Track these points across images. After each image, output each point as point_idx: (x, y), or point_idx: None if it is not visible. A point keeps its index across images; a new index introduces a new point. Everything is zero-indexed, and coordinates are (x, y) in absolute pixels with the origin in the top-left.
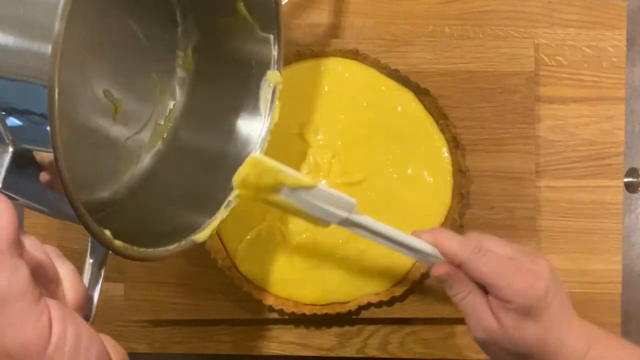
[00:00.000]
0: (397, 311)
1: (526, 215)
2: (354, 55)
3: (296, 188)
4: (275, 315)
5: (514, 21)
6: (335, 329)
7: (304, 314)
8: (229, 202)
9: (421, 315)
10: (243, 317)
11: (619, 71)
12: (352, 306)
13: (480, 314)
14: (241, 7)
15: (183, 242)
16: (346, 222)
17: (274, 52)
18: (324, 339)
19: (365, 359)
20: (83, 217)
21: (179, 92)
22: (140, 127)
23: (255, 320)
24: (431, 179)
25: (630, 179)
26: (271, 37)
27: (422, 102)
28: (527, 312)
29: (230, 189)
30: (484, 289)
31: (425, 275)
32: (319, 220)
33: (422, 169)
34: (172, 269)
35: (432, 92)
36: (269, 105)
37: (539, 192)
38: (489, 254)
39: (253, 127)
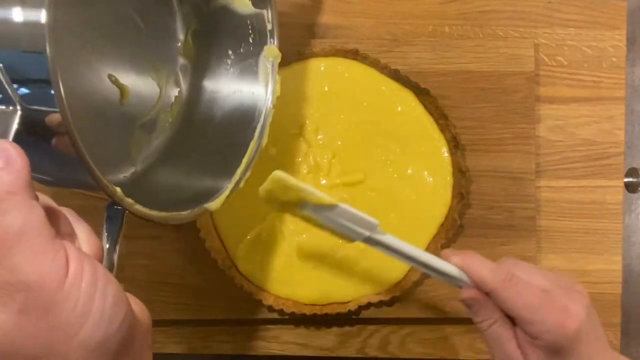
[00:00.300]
0: (397, 311)
1: (526, 215)
2: (354, 55)
3: (318, 206)
4: (275, 315)
5: (514, 21)
6: (335, 329)
7: (304, 314)
8: (241, 176)
9: (421, 315)
10: (243, 317)
11: (619, 71)
12: (352, 306)
13: (506, 345)
14: None
15: (196, 209)
16: (369, 241)
17: (269, 27)
18: (324, 339)
19: (365, 359)
20: (94, 172)
21: (182, 79)
22: (148, 112)
23: (255, 320)
24: (431, 179)
25: (630, 179)
26: (264, 12)
27: (422, 102)
28: (556, 351)
29: (240, 160)
30: (512, 319)
31: (425, 276)
32: (344, 236)
33: (422, 169)
34: (172, 269)
35: (432, 92)
36: (269, 80)
37: (539, 192)
38: (522, 284)
39: (256, 103)
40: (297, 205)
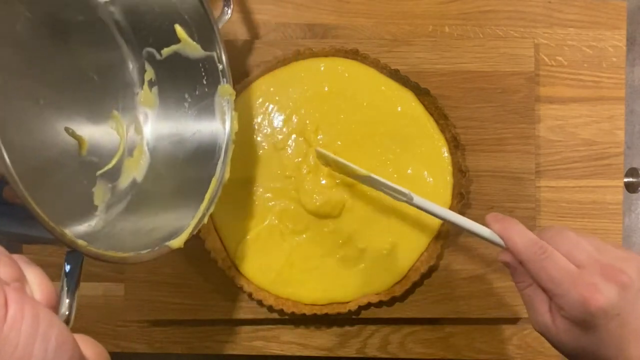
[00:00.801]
0: (397, 311)
1: (526, 215)
2: (353, 55)
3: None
4: (275, 315)
5: (514, 21)
6: (335, 329)
7: (304, 314)
8: (204, 212)
9: (421, 315)
10: (243, 317)
11: (619, 71)
12: (352, 306)
13: (537, 308)
14: (180, 30)
15: (157, 248)
16: (407, 202)
17: (220, 67)
18: (324, 339)
19: (365, 359)
20: (39, 216)
21: (143, 126)
22: (110, 161)
23: (255, 320)
24: (431, 179)
25: (630, 179)
26: (214, 54)
27: (422, 102)
28: (580, 324)
29: (203, 197)
30: None
31: (426, 276)
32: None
33: (422, 169)
34: (172, 269)
35: (432, 92)
36: (227, 117)
37: (539, 192)
38: (551, 258)
39: (216, 140)
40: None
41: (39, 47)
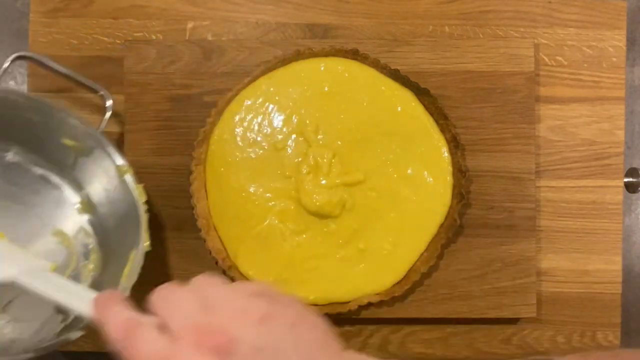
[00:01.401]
0: (397, 311)
1: (526, 215)
2: (353, 55)
3: None
4: None
5: (514, 21)
6: (335, 329)
7: None
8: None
9: (421, 315)
10: None
11: (619, 71)
12: (352, 306)
13: None
14: (67, 142)
15: (53, 341)
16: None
17: (113, 154)
18: None
19: None
20: None
21: (92, 230)
22: (63, 272)
23: None
24: (431, 179)
25: (630, 179)
26: (97, 146)
27: (422, 102)
28: None
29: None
30: None
31: (426, 275)
32: None
33: (422, 169)
34: (172, 269)
35: (432, 92)
36: (133, 192)
37: (539, 192)
38: (136, 340)
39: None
40: None
41: None
